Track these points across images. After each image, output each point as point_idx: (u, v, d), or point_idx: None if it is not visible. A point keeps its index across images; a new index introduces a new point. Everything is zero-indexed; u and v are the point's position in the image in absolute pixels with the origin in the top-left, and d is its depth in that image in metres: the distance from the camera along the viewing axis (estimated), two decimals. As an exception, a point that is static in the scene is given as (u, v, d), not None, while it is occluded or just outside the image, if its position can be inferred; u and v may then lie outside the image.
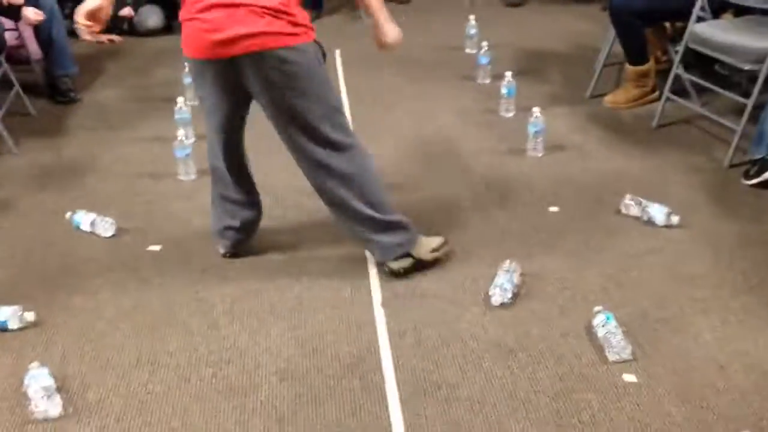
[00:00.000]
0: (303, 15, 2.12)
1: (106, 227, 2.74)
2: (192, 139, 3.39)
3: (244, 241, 2.57)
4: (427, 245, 2.46)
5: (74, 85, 4.00)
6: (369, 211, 2.30)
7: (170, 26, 4.96)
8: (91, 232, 2.75)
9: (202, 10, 2.07)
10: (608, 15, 3.55)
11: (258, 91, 2.15)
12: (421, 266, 2.44)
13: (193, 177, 3.13)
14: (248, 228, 2.55)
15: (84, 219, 2.78)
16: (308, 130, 2.18)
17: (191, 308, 2.33)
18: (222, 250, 2.57)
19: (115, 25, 4.86)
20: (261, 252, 2.59)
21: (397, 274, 2.42)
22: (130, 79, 4.23)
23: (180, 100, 3.40)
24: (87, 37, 2.17)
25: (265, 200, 2.58)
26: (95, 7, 2.11)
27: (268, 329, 2.23)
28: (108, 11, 2.15)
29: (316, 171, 2.26)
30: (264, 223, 2.71)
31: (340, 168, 2.24)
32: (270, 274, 2.49)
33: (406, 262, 2.41)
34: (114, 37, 4.82)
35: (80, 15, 2.11)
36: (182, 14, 2.15)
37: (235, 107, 2.26)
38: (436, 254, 2.47)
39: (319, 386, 2.02)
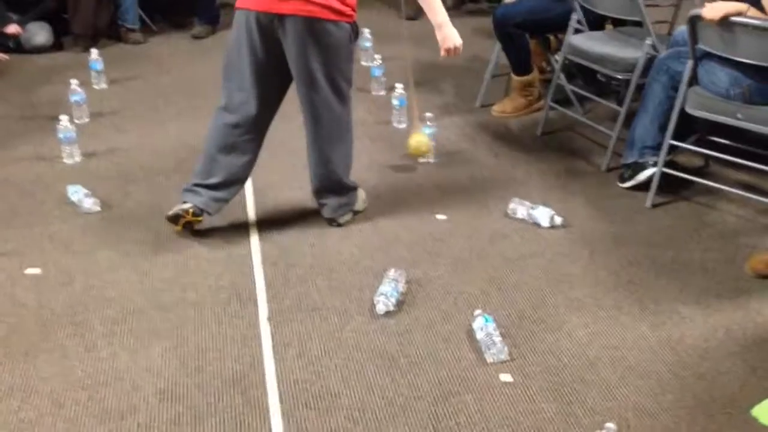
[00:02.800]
0: None
1: (-19, 252, 2.64)
2: (78, 158, 3.30)
3: (217, 202, 2.68)
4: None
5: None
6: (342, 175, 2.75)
7: (59, 43, 4.81)
8: (-35, 257, 2.65)
9: None
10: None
11: (291, 50, 2.51)
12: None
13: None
14: (232, 187, 2.71)
15: (-43, 244, 2.67)
16: (322, 89, 2.59)
17: (68, 331, 2.27)
18: (188, 206, 2.64)
19: (0, 42, 4.67)
20: (146, 271, 2.55)
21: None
22: (13, 97, 4.08)
23: (64, 118, 3.30)
24: None
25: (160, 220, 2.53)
26: None
27: (148, 349, 2.19)
28: None
29: (320, 118, 2.67)
30: (151, 242, 2.66)
31: (340, 119, 2.67)
32: (155, 293, 2.44)
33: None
34: (-1, 54, 4.64)
35: None
36: None
37: (271, 60, 2.56)
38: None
39: (200, 405, 1.99)
